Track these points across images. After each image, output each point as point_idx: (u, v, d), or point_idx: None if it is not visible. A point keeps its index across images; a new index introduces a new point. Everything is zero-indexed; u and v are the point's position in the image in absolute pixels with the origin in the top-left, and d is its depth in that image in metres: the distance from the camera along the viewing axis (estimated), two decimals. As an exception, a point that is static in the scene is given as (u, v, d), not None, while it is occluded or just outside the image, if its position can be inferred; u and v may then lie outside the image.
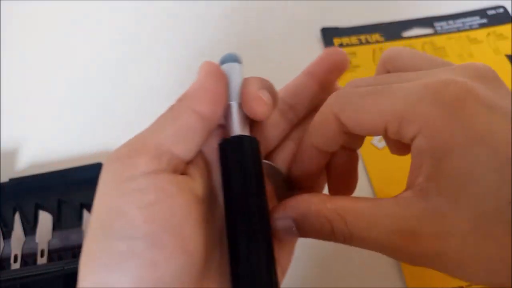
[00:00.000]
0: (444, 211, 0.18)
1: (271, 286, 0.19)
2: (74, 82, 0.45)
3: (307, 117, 0.26)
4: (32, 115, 0.43)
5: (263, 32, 0.48)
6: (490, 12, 0.48)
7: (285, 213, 0.22)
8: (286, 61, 0.44)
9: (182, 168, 0.20)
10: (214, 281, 0.20)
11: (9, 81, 0.45)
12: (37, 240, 0.35)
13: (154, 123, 0.21)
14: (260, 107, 0.22)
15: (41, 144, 0.41)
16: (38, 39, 0.48)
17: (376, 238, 0.20)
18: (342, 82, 0.25)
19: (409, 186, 0.20)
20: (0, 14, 0.50)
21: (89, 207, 0.36)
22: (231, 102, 0.22)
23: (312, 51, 0.46)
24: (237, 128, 0.22)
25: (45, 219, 0.36)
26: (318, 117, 0.23)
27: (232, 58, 0.24)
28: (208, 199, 0.22)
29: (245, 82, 0.23)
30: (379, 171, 0.37)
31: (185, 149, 0.20)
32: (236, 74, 0.23)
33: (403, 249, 0.19)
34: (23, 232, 0.35)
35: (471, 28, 0.47)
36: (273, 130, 0.25)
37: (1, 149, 0.41)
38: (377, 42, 0.46)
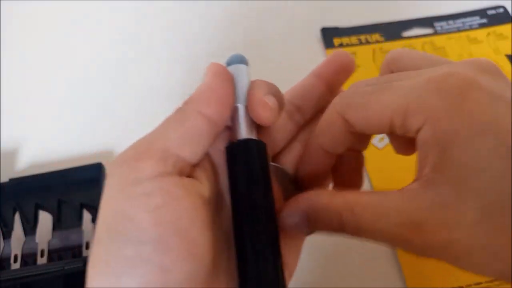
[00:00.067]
0: (450, 202, 0.18)
1: None
2: (74, 82, 0.45)
3: (314, 118, 0.26)
4: (32, 115, 0.43)
5: (263, 32, 0.48)
6: (490, 12, 0.48)
7: (295, 207, 0.22)
8: (286, 61, 0.44)
9: (188, 171, 0.20)
10: (222, 283, 0.20)
11: (9, 81, 0.45)
12: (37, 240, 0.35)
13: (160, 125, 0.21)
14: (266, 113, 0.22)
15: (41, 144, 0.41)
16: (38, 39, 0.48)
17: (383, 230, 0.19)
18: (345, 85, 0.26)
19: (416, 178, 0.20)
20: (0, 14, 0.50)
21: (89, 207, 0.36)
22: (238, 105, 0.22)
23: (312, 51, 0.46)
24: (244, 131, 0.22)
25: (45, 219, 0.36)
26: (324, 118, 0.23)
27: (238, 60, 0.23)
28: (215, 201, 0.21)
29: (252, 86, 0.23)
30: (379, 171, 0.37)
31: (191, 152, 0.20)
32: (243, 76, 0.23)
33: (410, 241, 0.19)
34: (23, 232, 0.35)
35: (471, 28, 0.47)
36: (280, 131, 0.25)
37: (1, 149, 0.41)
38: (377, 42, 0.46)
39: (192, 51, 0.46)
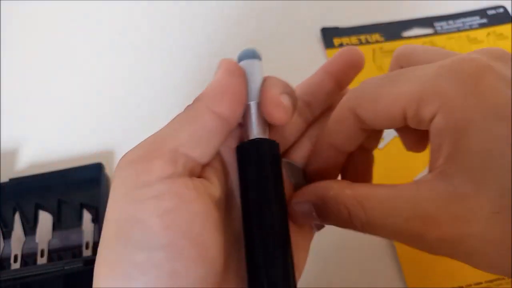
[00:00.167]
0: (465, 192, 0.17)
1: None
2: (74, 82, 0.45)
3: (323, 115, 0.26)
4: (32, 115, 0.43)
5: (263, 32, 0.48)
6: (490, 12, 0.48)
7: (304, 197, 0.21)
8: (286, 61, 0.44)
9: (198, 171, 0.20)
10: (231, 283, 0.20)
11: (9, 81, 0.45)
12: (37, 240, 0.35)
13: (169, 124, 0.20)
14: (279, 113, 0.21)
15: (41, 144, 0.41)
16: (38, 39, 0.48)
17: (394, 225, 0.19)
18: (351, 85, 0.25)
19: (429, 170, 0.19)
20: (0, 14, 0.50)
21: (89, 207, 0.36)
22: (250, 102, 0.21)
23: (312, 51, 0.46)
24: (257, 130, 0.21)
25: (45, 219, 0.36)
26: (334, 115, 0.23)
27: (251, 54, 0.22)
28: (225, 201, 0.21)
29: (266, 84, 0.21)
30: (379, 171, 0.37)
31: (202, 152, 0.19)
32: (255, 72, 0.22)
33: (422, 235, 0.18)
34: (23, 232, 0.35)
35: (471, 28, 0.47)
36: (290, 128, 0.24)
37: (1, 149, 0.41)
38: (377, 42, 0.46)
39: (192, 51, 0.46)
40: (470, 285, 0.32)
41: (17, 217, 0.36)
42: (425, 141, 0.20)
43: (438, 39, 0.47)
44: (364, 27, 0.47)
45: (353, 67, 0.25)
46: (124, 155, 0.19)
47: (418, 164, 0.37)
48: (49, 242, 0.35)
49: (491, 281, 0.32)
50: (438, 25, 0.48)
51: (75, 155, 0.40)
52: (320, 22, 0.48)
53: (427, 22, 0.48)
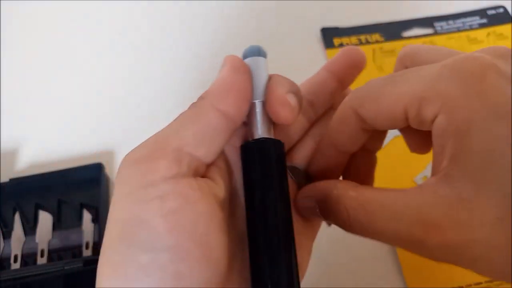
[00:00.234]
0: (469, 197, 0.17)
1: None
2: (74, 82, 0.45)
3: (325, 114, 0.26)
4: (32, 115, 0.43)
5: (263, 32, 0.48)
6: (490, 12, 0.48)
7: (309, 192, 0.21)
8: (286, 61, 0.44)
9: (203, 171, 0.19)
10: (235, 283, 0.19)
11: (9, 81, 0.45)
12: (37, 240, 0.35)
13: (174, 122, 0.19)
14: (285, 112, 0.20)
15: (41, 144, 0.41)
16: (38, 39, 0.48)
17: (395, 230, 0.18)
18: (353, 86, 0.25)
19: (433, 173, 0.19)
20: (0, 14, 0.50)
21: (89, 207, 0.36)
22: (255, 101, 0.21)
23: (312, 51, 0.46)
24: (261, 130, 0.21)
25: (45, 219, 0.36)
26: (337, 114, 0.22)
27: (256, 52, 0.22)
28: (229, 201, 0.21)
29: (272, 82, 0.21)
30: (379, 171, 0.37)
31: (207, 151, 0.19)
32: (260, 70, 0.21)
33: (424, 241, 0.18)
34: (23, 232, 0.35)
35: (471, 28, 0.47)
36: (293, 127, 0.24)
37: (1, 149, 0.41)
38: (377, 42, 0.46)
39: (192, 51, 0.46)
40: (470, 285, 0.32)
41: (17, 217, 0.36)
42: (429, 143, 0.20)
43: (438, 39, 0.47)
44: (364, 27, 0.47)
45: (355, 67, 0.25)
46: (128, 154, 0.19)
47: (418, 164, 0.37)
48: (49, 242, 0.35)
49: (491, 281, 0.32)
50: (438, 25, 0.48)
51: (75, 155, 0.40)
52: (320, 22, 0.48)
53: (427, 22, 0.48)
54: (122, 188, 0.18)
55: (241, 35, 0.47)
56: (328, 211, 0.21)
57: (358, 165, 0.25)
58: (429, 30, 0.47)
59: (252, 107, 0.21)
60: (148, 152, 0.18)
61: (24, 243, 0.35)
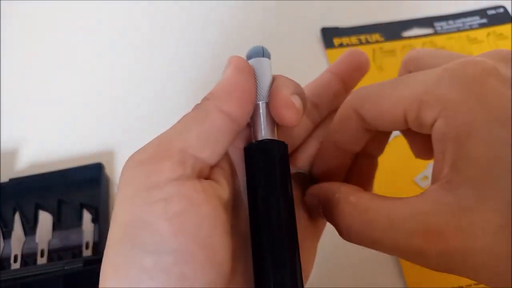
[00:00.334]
0: (471, 204, 0.17)
1: None
2: (74, 82, 0.45)
3: (329, 116, 0.26)
4: (32, 115, 0.43)
5: (263, 32, 0.48)
6: (490, 12, 0.48)
7: (315, 191, 0.22)
8: (286, 61, 0.44)
9: (207, 172, 0.19)
10: (238, 284, 0.19)
11: (9, 81, 0.45)
12: (37, 240, 0.35)
13: (177, 123, 0.19)
14: (289, 114, 0.20)
15: (41, 144, 0.41)
16: (38, 39, 0.48)
17: (394, 240, 0.18)
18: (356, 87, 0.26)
19: (434, 180, 0.19)
20: (0, 14, 0.50)
21: (89, 207, 0.36)
22: (259, 102, 0.21)
23: (312, 51, 0.46)
24: (265, 131, 0.21)
25: (45, 219, 0.36)
26: (339, 113, 0.23)
27: (260, 52, 0.22)
28: (233, 203, 0.21)
29: (276, 84, 0.21)
30: (378, 171, 0.37)
31: (211, 152, 0.19)
32: (264, 71, 0.21)
33: (425, 251, 0.18)
34: (23, 232, 0.35)
35: (471, 28, 0.47)
36: (297, 129, 0.24)
37: (1, 149, 0.41)
38: (377, 42, 0.46)
39: (192, 51, 0.46)
40: (470, 285, 0.32)
41: (17, 217, 0.36)
42: (432, 148, 0.20)
43: (438, 39, 0.47)
44: (364, 27, 0.47)
45: (359, 69, 0.25)
46: (132, 155, 0.18)
47: (418, 164, 0.37)
48: (49, 242, 0.35)
49: (491, 281, 0.32)
50: (438, 25, 0.48)
51: (75, 155, 0.40)
52: (320, 22, 0.48)
53: (427, 22, 0.48)
54: (126, 190, 0.18)
55: (241, 35, 0.47)
56: (330, 214, 0.21)
57: (359, 168, 0.25)
58: (429, 30, 0.47)
59: (256, 108, 0.21)
60: (152, 153, 0.18)
61: (24, 243, 0.35)
